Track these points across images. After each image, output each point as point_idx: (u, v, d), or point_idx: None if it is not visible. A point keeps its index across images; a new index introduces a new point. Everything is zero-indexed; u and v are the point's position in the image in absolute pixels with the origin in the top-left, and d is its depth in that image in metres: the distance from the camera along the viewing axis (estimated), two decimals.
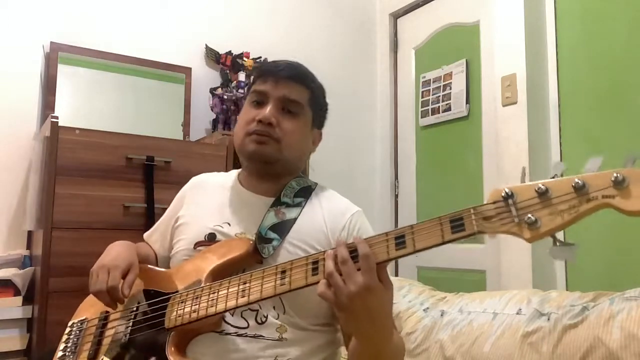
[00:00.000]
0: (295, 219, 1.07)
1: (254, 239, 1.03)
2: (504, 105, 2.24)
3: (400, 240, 0.79)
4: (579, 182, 0.68)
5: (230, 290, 0.92)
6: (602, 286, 1.46)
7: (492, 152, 2.37)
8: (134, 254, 1.10)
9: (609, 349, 1.13)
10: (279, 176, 1.14)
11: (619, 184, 0.66)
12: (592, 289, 1.37)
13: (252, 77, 1.20)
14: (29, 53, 2.12)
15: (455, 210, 0.77)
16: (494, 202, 0.73)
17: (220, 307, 0.92)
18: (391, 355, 0.92)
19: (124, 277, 1.02)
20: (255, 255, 1.01)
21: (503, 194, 0.73)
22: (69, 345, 1.10)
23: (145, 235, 1.29)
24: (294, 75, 1.12)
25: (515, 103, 2.19)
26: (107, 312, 1.09)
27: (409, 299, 1.74)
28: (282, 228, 1.05)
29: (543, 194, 0.70)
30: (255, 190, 1.14)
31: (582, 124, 2.05)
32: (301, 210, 1.10)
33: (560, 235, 0.71)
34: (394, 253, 0.79)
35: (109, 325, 1.07)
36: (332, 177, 2.15)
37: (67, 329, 1.14)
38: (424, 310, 1.65)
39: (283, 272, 0.88)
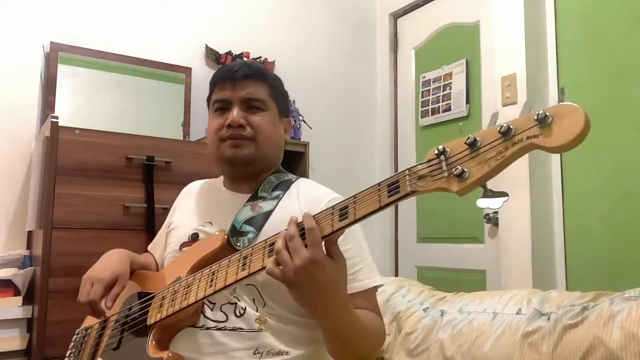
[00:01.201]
0: (271, 211, 1.09)
1: (227, 232, 1.06)
2: (504, 105, 2.24)
3: (343, 211, 0.80)
4: (505, 125, 0.65)
5: (201, 281, 0.95)
6: (602, 286, 1.46)
7: None
8: (126, 263, 1.14)
9: (609, 349, 1.13)
10: (258, 174, 1.16)
11: (543, 122, 0.63)
12: (592, 289, 1.37)
13: (210, 85, 1.21)
14: (29, 53, 2.12)
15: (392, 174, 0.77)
16: (429, 161, 0.72)
17: (192, 298, 0.94)
18: (355, 333, 0.92)
19: (110, 287, 1.08)
20: (230, 249, 1.02)
21: (436, 152, 0.71)
22: (73, 351, 1.15)
23: (149, 247, 1.35)
24: (250, 73, 1.13)
25: (515, 103, 2.18)
26: (106, 317, 1.12)
27: (409, 298, 1.74)
28: (258, 221, 1.07)
29: (472, 145, 0.68)
30: (235, 189, 1.17)
31: None
32: (278, 203, 1.11)
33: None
34: (338, 224, 0.80)
35: (107, 328, 1.10)
36: (332, 177, 2.15)
37: (74, 337, 1.19)
38: (423, 310, 1.65)
39: (245, 257, 0.90)
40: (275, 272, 0.82)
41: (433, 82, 2.76)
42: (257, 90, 1.13)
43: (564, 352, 1.21)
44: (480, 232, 2.42)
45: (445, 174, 0.69)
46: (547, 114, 0.62)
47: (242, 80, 1.12)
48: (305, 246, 0.81)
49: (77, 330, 1.20)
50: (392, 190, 0.74)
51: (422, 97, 2.81)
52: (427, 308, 1.64)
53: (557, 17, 2.19)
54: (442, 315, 1.57)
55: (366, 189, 0.79)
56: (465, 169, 0.67)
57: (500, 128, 0.65)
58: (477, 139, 0.67)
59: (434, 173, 0.71)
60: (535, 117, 0.63)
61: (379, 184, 0.77)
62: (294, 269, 0.80)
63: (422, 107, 2.80)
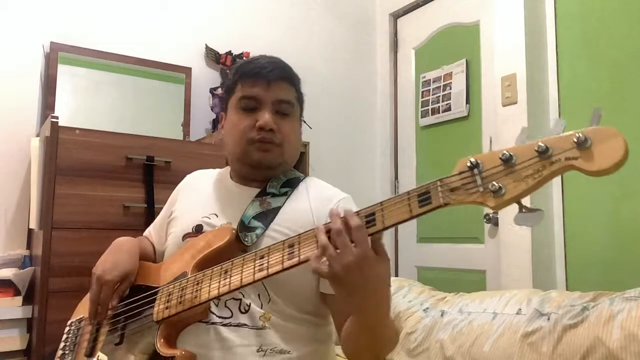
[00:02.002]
0: (280, 207, 1.08)
1: (236, 228, 1.04)
2: (504, 105, 2.24)
3: (370, 218, 0.79)
4: (542, 145, 0.66)
5: (212, 279, 0.94)
6: (602, 286, 1.46)
7: None
8: (135, 258, 1.12)
9: (609, 349, 1.13)
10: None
11: (582, 145, 0.64)
12: (592, 289, 1.37)
13: (232, 76, 1.16)
14: (29, 53, 2.12)
15: (422, 184, 0.76)
16: (460, 173, 0.72)
17: (204, 296, 0.93)
18: (388, 334, 0.93)
19: (121, 281, 1.07)
20: (238, 244, 1.01)
21: (468, 164, 0.71)
22: (68, 344, 1.13)
23: (145, 232, 1.31)
24: (284, 75, 1.12)
25: (515, 103, 2.19)
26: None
27: (409, 299, 1.74)
28: (266, 216, 1.06)
29: (507, 161, 0.68)
30: (244, 182, 1.15)
31: (582, 124, 2.05)
32: (287, 199, 1.10)
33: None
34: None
35: (104, 322, 1.08)
36: (332, 177, 2.14)
37: (67, 328, 1.17)
38: (424, 310, 1.65)
39: (261, 257, 0.89)
40: (321, 269, 0.80)
41: (433, 82, 2.76)
42: (287, 93, 1.12)
43: (564, 352, 1.21)
44: (480, 232, 2.42)
45: (481, 188, 0.70)
46: (587, 137, 0.64)
47: (276, 82, 1.10)
48: (351, 242, 0.79)
49: (70, 321, 1.17)
50: (424, 201, 0.74)
51: (422, 97, 2.81)
52: (428, 308, 1.65)
53: (557, 17, 2.19)
54: (442, 315, 1.58)
55: (393, 197, 0.78)
56: (502, 185, 0.68)
57: (538, 147, 0.66)
58: (512, 155, 0.68)
59: (468, 186, 0.71)
60: (575, 140, 0.64)
61: (407, 193, 0.77)
62: (344, 265, 0.78)
63: (422, 107, 2.80)
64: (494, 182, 0.68)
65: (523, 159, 0.67)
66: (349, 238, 0.79)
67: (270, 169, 1.12)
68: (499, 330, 1.39)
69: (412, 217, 0.76)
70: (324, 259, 0.80)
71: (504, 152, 0.69)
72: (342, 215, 0.82)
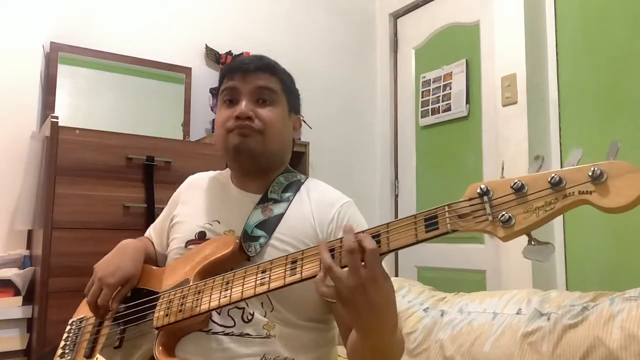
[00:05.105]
0: (282, 215, 1.06)
1: (239, 237, 1.03)
2: (504, 105, 2.24)
3: (375, 239, 0.77)
4: (556, 177, 0.64)
5: (214, 290, 0.93)
6: (602, 286, 1.46)
7: (492, 152, 2.37)
8: (139, 263, 1.11)
9: (609, 349, 1.13)
10: (266, 171, 1.13)
11: (597, 179, 0.62)
12: (592, 289, 1.37)
13: (220, 77, 1.17)
14: (29, 53, 2.12)
15: (430, 208, 0.74)
16: (470, 199, 0.71)
17: (204, 307, 0.92)
18: (394, 351, 0.91)
19: (122, 285, 1.06)
20: (242, 254, 1.01)
21: (478, 191, 0.70)
22: (68, 343, 1.13)
23: (146, 233, 1.31)
24: (261, 65, 1.10)
25: (515, 103, 2.19)
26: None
27: (409, 299, 1.74)
28: (269, 225, 1.04)
29: (519, 190, 0.67)
30: (244, 188, 1.13)
31: (582, 124, 2.05)
32: (289, 205, 1.08)
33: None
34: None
35: (105, 323, 1.08)
36: (332, 177, 2.15)
37: (67, 327, 1.17)
38: (424, 310, 1.65)
39: (263, 271, 0.88)
40: (325, 291, 0.79)
41: (433, 82, 2.76)
42: (267, 81, 1.10)
43: (564, 352, 1.21)
44: None
45: (490, 217, 0.68)
46: (602, 171, 0.62)
47: (253, 72, 1.08)
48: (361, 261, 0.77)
49: (71, 320, 1.17)
50: (431, 226, 0.73)
51: (422, 97, 2.81)
52: (428, 308, 1.65)
53: (557, 17, 2.19)
54: (442, 315, 1.58)
55: (400, 219, 0.76)
56: (512, 215, 0.66)
57: (551, 178, 0.65)
58: (525, 184, 0.67)
59: (477, 214, 0.70)
60: (590, 173, 0.63)
61: (414, 216, 0.75)
62: (349, 287, 0.76)
63: (422, 107, 2.80)
64: (503, 212, 0.67)
65: (535, 189, 0.66)
66: (359, 258, 0.77)
67: (254, 157, 1.08)
68: (499, 330, 1.39)
69: (417, 242, 0.74)
70: (328, 279, 0.79)
71: (516, 180, 0.67)
72: (355, 234, 0.79)
